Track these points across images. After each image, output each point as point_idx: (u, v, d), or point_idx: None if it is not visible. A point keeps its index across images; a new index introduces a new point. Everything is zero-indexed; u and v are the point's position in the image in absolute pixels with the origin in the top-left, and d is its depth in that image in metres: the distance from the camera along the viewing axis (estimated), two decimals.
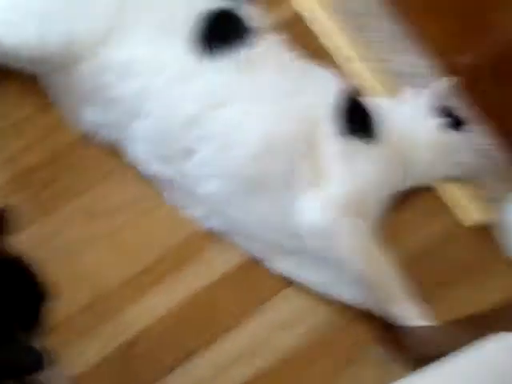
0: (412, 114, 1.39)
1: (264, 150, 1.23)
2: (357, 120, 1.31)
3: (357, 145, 1.29)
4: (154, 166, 1.29)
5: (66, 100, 1.30)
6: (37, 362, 0.93)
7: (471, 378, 0.87)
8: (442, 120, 1.39)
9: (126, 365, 1.23)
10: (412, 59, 1.53)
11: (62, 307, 1.21)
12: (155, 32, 1.24)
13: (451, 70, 1.47)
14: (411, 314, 1.27)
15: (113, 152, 1.32)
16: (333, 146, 1.27)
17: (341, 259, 1.25)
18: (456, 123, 1.40)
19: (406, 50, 1.54)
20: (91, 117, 1.29)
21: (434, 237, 1.42)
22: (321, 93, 1.31)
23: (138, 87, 1.23)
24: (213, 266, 1.31)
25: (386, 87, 1.50)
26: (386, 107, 1.38)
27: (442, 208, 1.45)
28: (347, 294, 1.31)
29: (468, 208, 1.46)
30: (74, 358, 1.19)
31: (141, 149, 1.28)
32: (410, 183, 1.40)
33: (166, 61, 1.23)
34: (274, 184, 1.25)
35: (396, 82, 1.50)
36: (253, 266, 1.32)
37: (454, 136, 1.40)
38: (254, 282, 1.32)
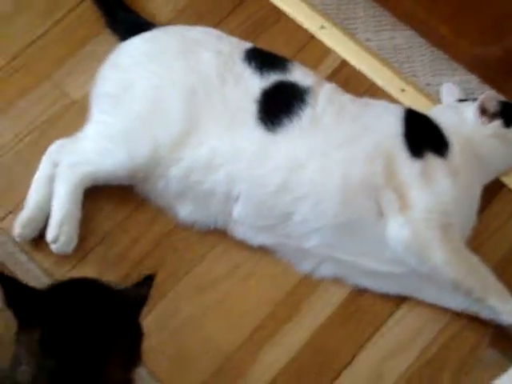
0: (471, 120, 1.46)
1: (347, 195, 1.35)
2: (425, 139, 1.41)
3: (430, 162, 1.38)
4: (259, 238, 1.42)
5: (161, 202, 1.44)
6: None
7: None
8: (498, 119, 1.46)
9: None
10: (458, 78, 1.62)
11: (196, 375, 1.36)
12: (225, 124, 1.38)
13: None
14: None
15: (210, 230, 1.45)
16: (409, 169, 1.37)
17: (438, 270, 1.34)
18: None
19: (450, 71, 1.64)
20: (187, 213, 1.43)
21: None
22: (385, 124, 1.41)
23: (223, 177, 1.36)
24: (319, 309, 1.42)
25: None
26: (446, 119, 1.46)
27: None
28: (453, 303, 1.40)
29: None
30: None
31: (242, 229, 1.42)
32: (490, 178, 1.49)
33: (242, 146, 1.36)
34: (365, 220, 1.36)
35: None
36: (355, 301, 1.43)
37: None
38: (360, 315, 1.42)
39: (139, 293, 1.07)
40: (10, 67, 1.57)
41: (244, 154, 1.36)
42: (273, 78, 1.41)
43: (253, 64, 1.42)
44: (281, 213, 1.36)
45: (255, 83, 1.40)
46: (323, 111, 1.39)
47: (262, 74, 1.41)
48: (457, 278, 1.34)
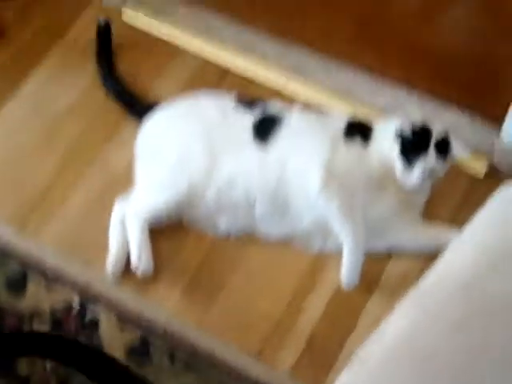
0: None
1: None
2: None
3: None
4: (276, 230, 1.97)
5: (204, 222, 1.99)
6: None
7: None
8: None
9: None
10: None
11: (255, 335, 1.85)
12: (234, 152, 1.94)
13: None
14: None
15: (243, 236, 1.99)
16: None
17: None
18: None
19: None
20: (224, 225, 1.98)
21: None
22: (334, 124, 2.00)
23: (242, 190, 1.92)
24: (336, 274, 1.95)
25: None
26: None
27: None
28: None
29: None
30: None
31: (264, 225, 1.97)
32: None
33: (248, 164, 1.93)
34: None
35: None
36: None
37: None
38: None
39: None
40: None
41: (251, 170, 1.92)
42: (257, 113, 1.99)
43: (242, 108, 2.01)
44: (282, 203, 1.92)
45: (247, 119, 1.98)
46: (296, 125, 1.97)
47: (250, 112, 1.99)
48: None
